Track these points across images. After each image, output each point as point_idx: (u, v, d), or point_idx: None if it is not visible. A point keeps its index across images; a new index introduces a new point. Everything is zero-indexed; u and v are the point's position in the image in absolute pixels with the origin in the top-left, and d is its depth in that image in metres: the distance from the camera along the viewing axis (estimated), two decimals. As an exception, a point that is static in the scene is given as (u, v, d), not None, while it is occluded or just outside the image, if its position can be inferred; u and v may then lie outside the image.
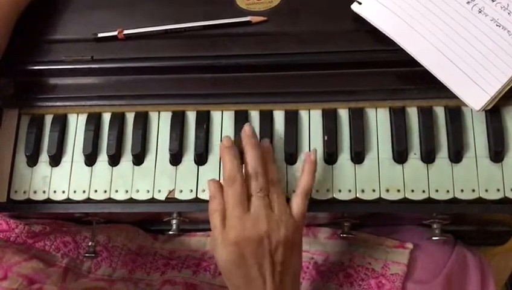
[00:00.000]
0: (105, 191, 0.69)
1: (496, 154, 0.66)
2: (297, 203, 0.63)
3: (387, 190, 0.66)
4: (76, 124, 0.72)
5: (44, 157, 0.71)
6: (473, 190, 0.65)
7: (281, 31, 0.71)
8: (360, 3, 0.69)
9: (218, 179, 0.66)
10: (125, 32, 0.72)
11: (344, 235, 0.73)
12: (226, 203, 0.62)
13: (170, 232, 0.72)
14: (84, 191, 0.70)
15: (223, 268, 0.62)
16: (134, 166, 0.70)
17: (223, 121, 0.71)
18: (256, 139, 0.65)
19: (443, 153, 0.67)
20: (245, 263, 0.60)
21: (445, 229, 0.72)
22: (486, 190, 0.65)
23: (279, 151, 0.69)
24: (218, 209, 0.62)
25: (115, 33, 0.72)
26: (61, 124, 0.72)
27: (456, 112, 0.67)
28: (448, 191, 0.65)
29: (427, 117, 0.67)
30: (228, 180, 0.62)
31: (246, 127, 0.66)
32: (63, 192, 0.70)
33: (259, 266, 0.60)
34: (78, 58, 0.72)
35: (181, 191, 0.68)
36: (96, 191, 0.69)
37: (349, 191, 0.67)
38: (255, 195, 0.62)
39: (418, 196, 0.66)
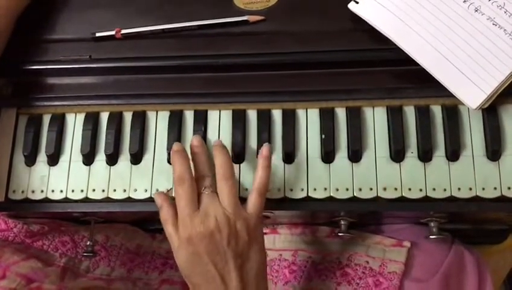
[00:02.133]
0: (103, 191, 0.69)
1: (493, 153, 0.66)
2: (252, 199, 0.63)
3: (385, 189, 0.66)
4: (74, 124, 0.72)
5: (42, 157, 0.71)
6: (470, 189, 0.65)
7: (278, 30, 0.71)
8: (357, 3, 0.69)
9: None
10: (123, 31, 0.72)
11: (342, 234, 0.73)
12: (177, 204, 0.62)
13: (168, 232, 0.73)
14: (82, 191, 0.70)
15: (182, 269, 0.62)
16: (132, 165, 0.70)
17: (220, 120, 0.71)
18: (203, 148, 0.66)
19: (440, 152, 0.67)
20: (200, 261, 0.60)
21: (443, 227, 0.72)
22: (483, 189, 0.65)
23: (276, 150, 0.69)
24: (167, 217, 0.62)
25: (113, 32, 0.72)
26: (59, 123, 0.72)
27: (453, 111, 0.68)
28: (445, 190, 0.65)
29: (424, 116, 0.68)
30: (178, 181, 0.62)
31: (194, 139, 0.66)
32: (61, 191, 0.70)
33: (215, 263, 0.60)
34: (76, 58, 0.72)
35: (179, 191, 0.68)
36: (94, 190, 0.70)
37: (347, 189, 0.67)
38: (203, 193, 0.62)
39: (415, 194, 0.66)
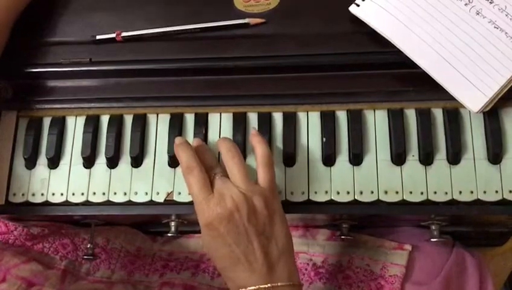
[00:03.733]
0: (104, 194, 0.69)
1: (494, 156, 0.66)
2: (260, 174, 0.63)
3: (386, 192, 0.66)
4: (75, 127, 0.72)
5: (42, 160, 0.71)
6: (471, 192, 0.65)
7: (279, 33, 0.71)
8: (358, 5, 0.69)
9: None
10: (123, 34, 0.72)
11: (343, 236, 0.73)
12: (190, 192, 0.62)
13: (169, 234, 0.73)
14: (82, 194, 0.70)
15: (207, 251, 0.63)
16: (133, 168, 0.70)
17: (221, 123, 0.71)
18: (203, 146, 0.67)
19: (441, 155, 0.67)
20: (224, 243, 0.60)
21: (444, 230, 0.72)
22: (485, 192, 0.65)
23: (277, 153, 0.69)
24: (195, 178, 0.62)
25: (113, 35, 0.72)
26: (59, 126, 0.72)
27: (454, 114, 0.67)
28: (446, 193, 0.65)
29: (425, 119, 0.68)
30: (186, 169, 0.62)
31: (194, 141, 0.67)
32: (62, 194, 0.70)
33: (237, 243, 0.59)
34: (77, 61, 0.72)
35: (179, 193, 0.69)
36: (94, 193, 0.69)
37: (348, 193, 0.67)
38: (214, 178, 0.62)
39: (417, 197, 0.66)
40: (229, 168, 0.63)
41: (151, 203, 0.69)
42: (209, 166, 0.64)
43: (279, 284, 0.59)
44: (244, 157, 0.69)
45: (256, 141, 0.65)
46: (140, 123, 0.71)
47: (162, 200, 0.69)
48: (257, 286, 0.59)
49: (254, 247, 0.59)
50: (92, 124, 0.71)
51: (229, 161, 0.63)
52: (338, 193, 0.67)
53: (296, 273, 0.62)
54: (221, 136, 0.70)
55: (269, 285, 0.59)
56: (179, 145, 0.65)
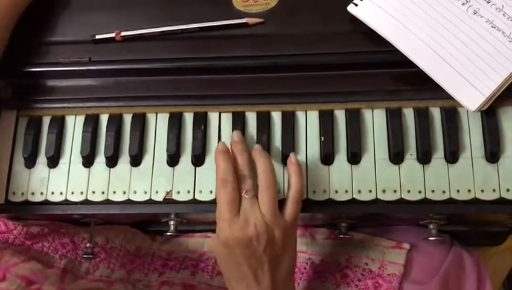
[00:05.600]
0: (103, 193, 0.70)
1: (492, 155, 0.66)
2: (290, 206, 0.64)
3: (384, 191, 0.66)
4: (74, 126, 0.72)
5: (42, 159, 0.71)
6: (469, 191, 0.65)
7: (277, 33, 0.71)
8: (356, 5, 0.69)
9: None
10: (123, 34, 0.72)
11: (341, 235, 0.73)
12: (218, 205, 0.63)
13: (168, 233, 0.73)
14: (81, 193, 0.70)
15: (218, 261, 0.66)
16: (132, 167, 0.70)
17: (220, 122, 0.71)
18: (244, 145, 0.66)
19: (439, 154, 0.67)
20: (235, 261, 0.62)
21: (442, 229, 0.72)
22: (482, 191, 0.65)
23: (276, 152, 0.69)
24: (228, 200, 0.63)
25: (113, 35, 0.72)
26: (59, 125, 0.72)
27: (451, 113, 0.68)
28: (444, 192, 0.66)
29: (423, 118, 0.68)
30: (221, 182, 0.63)
31: (235, 135, 0.67)
32: (61, 193, 0.70)
33: (249, 264, 0.62)
34: (76, 60, 0.72)
35: (178, 192, 0.69)
36: (94, 192, 0.70)
37: (346, 191, 0.67)
38: (243, 196, 0.63)
39: (414, 196, 0.66)
40: (260, 195, 0.63)
41: (150, 202, 0.69)
42: (243, 175, 0.64)
43: None
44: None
45: (294, 171, 0.65)
46: (140, 122, 0.71)
47: (161, 199, 0.69)
48: None
49: (264, 270, 0.62)
50: (92, 123, 0.71)
51: (262, 189, 0.63)
52: (336, 191, 0.67)
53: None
54: (220, 136, 0.70)
55: None
56: (220, 153, 0.65)
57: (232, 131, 0.70)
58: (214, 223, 0.65)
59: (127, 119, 0.72)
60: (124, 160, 0.70)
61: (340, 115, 0.70)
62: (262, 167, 0.64)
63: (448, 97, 0.66)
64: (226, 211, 0.62)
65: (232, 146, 0.66)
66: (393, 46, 0.67)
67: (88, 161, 0.71)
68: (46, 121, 0.73)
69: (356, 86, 0.69)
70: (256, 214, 0.62)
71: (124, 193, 0.69)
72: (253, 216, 0.62)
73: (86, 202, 0.70)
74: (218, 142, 0.70)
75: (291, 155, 0.66)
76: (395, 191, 0.66)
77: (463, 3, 0.66)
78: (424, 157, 0.67)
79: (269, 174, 0.64)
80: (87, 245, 0.76)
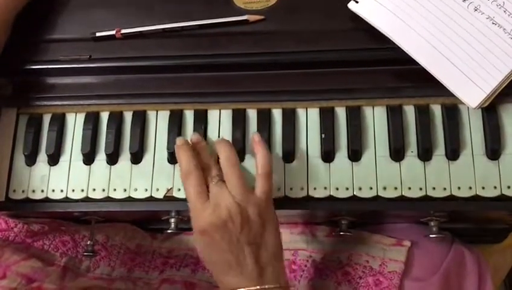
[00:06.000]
0: (104, 190, 0.70)
1: (493, 152, 0.66)
2: (259, 183, 0.63)
3: (385, 188, 0.66)
4: (75, 123, 0.72)
5: (42, 157, 0.71)
6: (470, 188, 0.65)
7: (278, 30, 0.71)
8: (357, 2, 0.69)
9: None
10: (123, 31, 0.72)
11: (342, 233, 0.73)
12: (187, 197, 0.64)
13: (169, 231, 0.73)
14: (82, 190, 0.70)
15: (200, 254, 0.64)
16: (133, 165, 0.70)
17: (220, 120, 0.71)
18: (203, 143, 0.67)
19: (440, 151, 0.67)
20: (217, 248, 0.62)
21: (443, 227, 0.72)
22: (483, 187, 0.65)
23: (276, 149, 0.69)
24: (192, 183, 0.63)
25: (113, 32, 0.72)
26: (59, 123, 0.72)
27: (452, 110, 0.68)
28: (445, 189, 0.66)
29: (423, 115, 0.68)
30: (184, 175, 0.64)
31: (193, 137, 0.68)
32: (61, 191, 0.70)
33: (230, 250, 0.61)
34: (76, 58, 0.72)
35: (179, 190, 0.69)
36: (94, 190, 0.70)
37: (347, 189, 0.67)
38: (211, 184, 0.63)
39: (415, 193, 0.66)
40: (227, 176, 0.63)
41: (151, 199, 0.69)
42: (207, 166, 0.65)
43: (267, 286, 0.61)
44: (243, 154, 0.69)
45: (258, 148, 0.65)
46: (140, 120, 0.71)
47: (161, 197, 0.69)
48: (246, 289, 0.60)
49: (245, 254, 0.61)
50: (92, 121, 0.71)
51: (227, 169, 0.63)
52: (337, 189, 0.67)
53: (284, 276, 0.64)
54: (220, 133, 0.70)
55: (258, 287, 0.61)
56: (179, 147, 0.66)
57: (233, 128, 0.70)
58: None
59: (128, 116, 0.72)
60: (125, 157, 0.70)
61: (340, 112, 0.69)
62: (223, 150, 0.65)
63: (449, 94, 0.66)
64: (196, 200, 0.62)
65: (192, 147, 0.66)
66: (393, 43, 0.67)
67: (88, 158, 0.71)
68: (47, 118, 0.73)
69: (357, 83, 0.69)
70: (226, 196, 0.62)
71: (125, 190, 0.69)
72: (223, 199, 0.62)
73: (87, 199, 0.70)
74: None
75: (255, 135, 0.66)
76: (395, 188, 0.66)
77: (464, 0, 0.66)
78: (425, 154, 0.67)
79: (231, 154, 0.64)
80: (88, 243, 0.76)
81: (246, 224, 0.61)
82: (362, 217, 0.75)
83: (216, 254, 0.62)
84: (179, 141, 0.67)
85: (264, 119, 0.70)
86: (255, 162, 0.65)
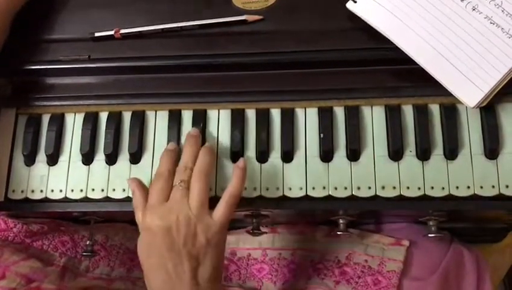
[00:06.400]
0: (103, 190, 0.70)
1: (491, 151, 0.66)
2: (219, 207, 0.63)
3: (383, 187, 0.66)
4: (74, 123, 0.72)
5: (41, 157, 0.71)
6: (468, 187, 0.65)
7: (276, 30, 0.71)
8: (355, 2, 0.69)
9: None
10: (122, 31, 0.72)
11: (340, 232, 0.73)
12: (149, 193, 0.64)
13: (167, 231, 0.73)
14: (81, 190, 0.70)
15: (139, 255, 0.63)
16: (131, 165, 0.70)
17: (219, 120, 0.71)
18: (197, 140, 0.66)
19: (438, 150, 0.67)
20: (157, 252, 0.61)
21: (442, 226, 0.72)
22: (482, 187, 0.65)
23: (275, 149, 0.69)
24: (137, 204, 0.64)
25: (112, 32, 0.72)
26: (58, 123, 0.72)
27: (451, 110, 0.68)
28: (443, 188, 0.66)
29: (422, 115, 0.68)
30: (156, 176, 0.64)
31: (192, 129, 0.68)
32: (61, 191, 0.70)
33: (171, 257, 0.60)
34: (75, 58, 0.73)
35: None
36: (93, 189, 0.70)
37: (345, 188, 0.67)
38: (175, 186, 0.63)
39: (414, 193, 0.66)
40: (192, 182, 0.63)
41: (150, 199, 0.69)
42: (184, 166, 0.64)
43: None
44: (241, 156, 0.69)
45: (237, 174, 0.64)
46: (139, 120, 0.71)
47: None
48: None
49: (185, 268, 0.60)
50: (91, 121, 0.71)
51: (195, 175, 0.63)
52: (336, 188, 0.67)
53: None
54: (219, 133, 0.70)
55: None
56: (166, 151, 0.67)
57: (231, 128, 0.70)
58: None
59: (127, 116, 0.72)
60: (124, 157, 0.71)
61: (339, 112, 0.70)
62: (200, 160, 0.64)
63: (448, 94, 0.66)
64: (154, 199, 0.62)
65: (186, 137, 0.67)
66: (392, 43, 0.67)
67: (88, 158, 0.71)
68: (46, 118, 0.73)
69: (355, 83, 0.70)
70: (182, 205, 0.61)
71: (124, 190, 0.69)
72: (178, 207, 0.61)
73: (86, 199, 0.70)
74: (218, 139, 0.70)
75: (241, 160, 0.65)
76: (394, 187, 0.66)
77: (462, 0, 0.66)
78: (424, 154, 0.67)
79: (206, 164, 0.64)
80: (87, 243, 0.77)
81: (190, 239, 0.61)
82: (361, 216, 0.75)
83: (155, 257, 0.61)
84: (170, 146, 0.67)
85: (263, 119, 0.70)
86: (228, 184, 0.64)
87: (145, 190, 0.65)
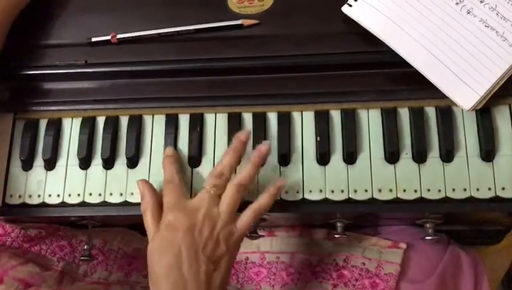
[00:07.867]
0: (100, 195, 0.70)
1: (487, 154, 0.66)
2: (245, 218, 0.63)
3: (380, 190, 0.66)
4: (71, 128, 0.72)
5: (39, 162, 0.71)
6: (465, 189, 0.66)
7: (272, 34, 0.72)
8: (350, 6, 0.69)
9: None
10: (119, 36, 0.72)
11: (338, 235, 0.73)
12: (165, 200, 0.63)
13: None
14: (79, 195, 0.70)
15: (151, 256, 0.61)
16: (129, 169, 0.70)
17: (216, 124, 0.71)
18: (243, 145, 0.66)
19: (434, 153, 0.67)
20: (172, 249, 0.60)
21: (439, 229, 0.72)
22: (478, 189, 0.65)
23: (272, 152, 0.69)
24: (147, 206, 0.64)
25: (109, 37, 0.73)
26: (55, 128, 0.72)
27: (446, 112, 0.68)
28: (439, 191, 0.66)
29: (418, 117, 0.68)
30: (165, 183, 0.65)
31: (242, 134, 0.67)
32: (58, 196, 0.70)
33: (187, 256, 0.60)
34: (72, 63, 0.73)
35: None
36: (91, 194, 0.70)
37: (342, 191, 0.67)
38: (206, 189, 0.63)
39: (410, 195, 0.66)
40: (226, 193, 0.63)
41: (147, 203, 0.69)
42: (221, 173, 0.64)
43: None
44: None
45: (271, 193, 0.64)
46: (136, 124, 0.71)
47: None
48: None
49: (200, 270, 0.60)
50: (88, 126, 0.72)
51: (233, 191, 0.63)
52: (332, 191, 0.67)
53: None
54: (216, 137, 0.70)
55: None
56: (166, 157, 0.67)
57: (228, 132, 0.70)
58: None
59: (124, 121, 0.72)
60: (121, 162, 0.71)
61: (335, 115, 0.70)
62: (246, 169, 0.64)
63: (443, 96, 0.66)
64: (177, 199, 0.63)
65: (234, 139, 0.66)
66: (387, 47, 0.67)
67: (85, 163, 0.71)
68: (43, 123, 0.73)
69: (351, 86, 0.70)
70: (211, 208, 0.62)
71: (121, 194, 0.69)
72: (206, 208, 0.61)
73: (83, 204, 0.70)
74: (215, 143, 0.70)
75: (281, 180, 0.66)
76: (390, 190, 0.66)
77: (456, 3, 0.67)
78: (420, 156, 0.67)
79: (248, 177, 0.64)
80: (85, 247, 0.76)
81: (211, 243, 0.61)
82: (358, 219, 0.75)
83: (169, 256, 0.60)
84: (168, 150, 0.68)
85: (260, 123, 0.70)
86: (261, 195, 0.64)
87: (155, 193, 0.65)
